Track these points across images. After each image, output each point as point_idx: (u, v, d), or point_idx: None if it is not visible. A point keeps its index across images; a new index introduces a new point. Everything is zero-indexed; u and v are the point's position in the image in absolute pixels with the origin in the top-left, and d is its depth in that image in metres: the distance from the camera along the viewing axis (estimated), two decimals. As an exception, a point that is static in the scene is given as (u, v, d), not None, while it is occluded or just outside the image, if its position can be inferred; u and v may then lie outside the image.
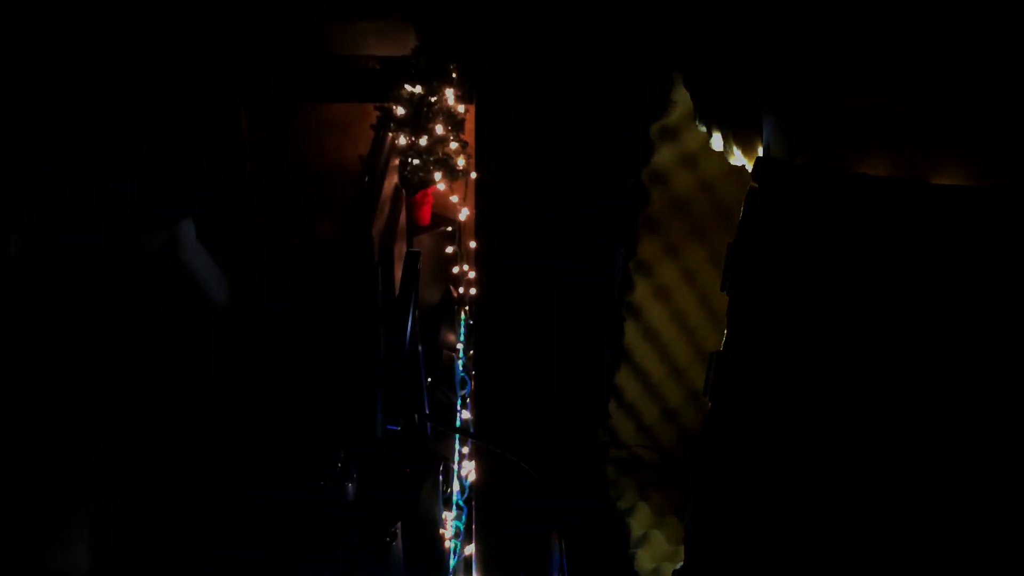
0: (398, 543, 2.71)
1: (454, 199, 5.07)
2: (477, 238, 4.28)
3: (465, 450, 3.97)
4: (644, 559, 2.40)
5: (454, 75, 4.61)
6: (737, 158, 1.50)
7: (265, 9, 4.63)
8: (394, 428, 2.90)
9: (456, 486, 3.83)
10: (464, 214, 5.07)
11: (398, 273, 3.82)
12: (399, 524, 2.71)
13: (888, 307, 1.15)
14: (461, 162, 4.69)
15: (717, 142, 1.55)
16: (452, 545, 3.55)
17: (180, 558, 2.16)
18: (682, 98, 2.17)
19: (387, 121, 4.52)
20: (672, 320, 2.48)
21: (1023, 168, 1.08)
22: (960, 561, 1.16)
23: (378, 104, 4.61)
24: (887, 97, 1.12)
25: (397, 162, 4.54)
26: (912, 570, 1.18)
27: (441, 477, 3.70)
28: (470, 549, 3.39)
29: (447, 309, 4.98)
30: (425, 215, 5.03)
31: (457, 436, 3.88)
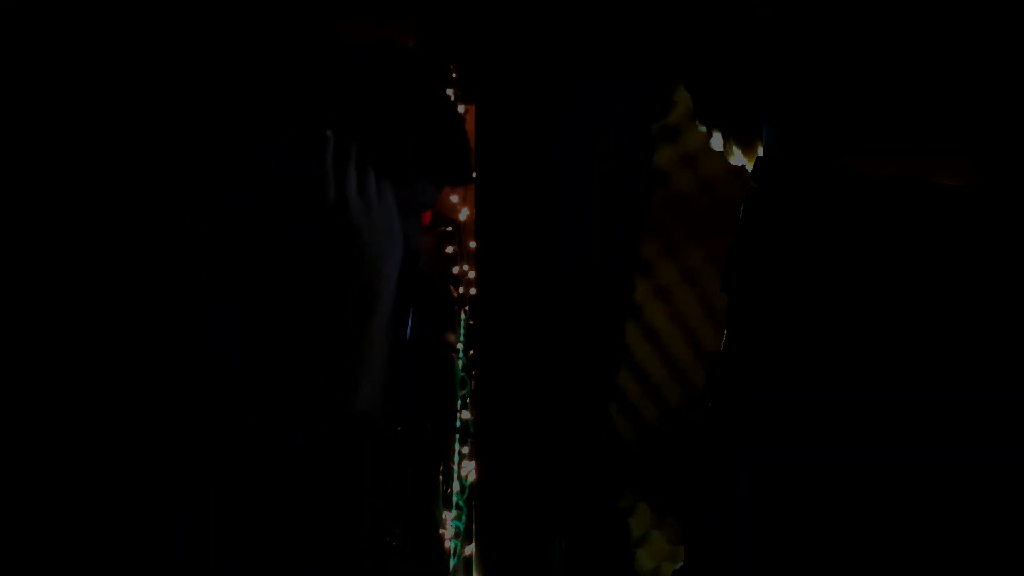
0: (398, 543, 2.71)
1: (454, 199, 5.07)
2: (477, 238, 4.28)
3: (465, 450, 3.96)
4: (644, 559, 2.41)
5: (454, 75, 4.60)
6: (737, 158, 1.50)
7: (263, 9, 4.64)
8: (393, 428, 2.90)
9: (456, 486, 3.83)
10: (464, 214, 5.06)
11: (398, 273, 3.81)
12: (399, 524, 2.71)
13: (889, 308, 1.16)
14: (461, 162, 4.69)
15: (717, 142, 1.56)
16: (452, 545, 3.55)
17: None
18: (682, 98, 2.18)
19: (387, 121, 4.52)
20: (672, 320, 2.48)
21: (1023, 168, 1.08)
22: (959, 564, 1.16)
23: (378, 104, 4.61)
24: (887, 97, 1.12)
25: (397, 162, 4.54)
26: (915, 571, 1.18)
27: (441, 477, 3.70)
28: (470, 549, 3.39)
29: (447, 309, 4.98)
30: (425, 215, 5.02)
31: (457, 436, 3.88)
